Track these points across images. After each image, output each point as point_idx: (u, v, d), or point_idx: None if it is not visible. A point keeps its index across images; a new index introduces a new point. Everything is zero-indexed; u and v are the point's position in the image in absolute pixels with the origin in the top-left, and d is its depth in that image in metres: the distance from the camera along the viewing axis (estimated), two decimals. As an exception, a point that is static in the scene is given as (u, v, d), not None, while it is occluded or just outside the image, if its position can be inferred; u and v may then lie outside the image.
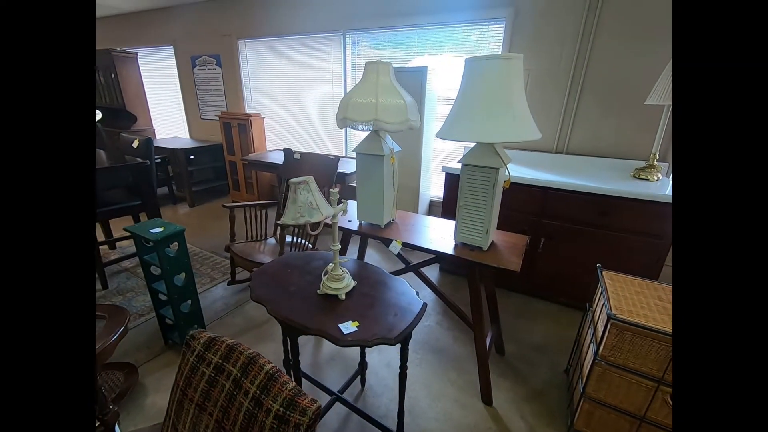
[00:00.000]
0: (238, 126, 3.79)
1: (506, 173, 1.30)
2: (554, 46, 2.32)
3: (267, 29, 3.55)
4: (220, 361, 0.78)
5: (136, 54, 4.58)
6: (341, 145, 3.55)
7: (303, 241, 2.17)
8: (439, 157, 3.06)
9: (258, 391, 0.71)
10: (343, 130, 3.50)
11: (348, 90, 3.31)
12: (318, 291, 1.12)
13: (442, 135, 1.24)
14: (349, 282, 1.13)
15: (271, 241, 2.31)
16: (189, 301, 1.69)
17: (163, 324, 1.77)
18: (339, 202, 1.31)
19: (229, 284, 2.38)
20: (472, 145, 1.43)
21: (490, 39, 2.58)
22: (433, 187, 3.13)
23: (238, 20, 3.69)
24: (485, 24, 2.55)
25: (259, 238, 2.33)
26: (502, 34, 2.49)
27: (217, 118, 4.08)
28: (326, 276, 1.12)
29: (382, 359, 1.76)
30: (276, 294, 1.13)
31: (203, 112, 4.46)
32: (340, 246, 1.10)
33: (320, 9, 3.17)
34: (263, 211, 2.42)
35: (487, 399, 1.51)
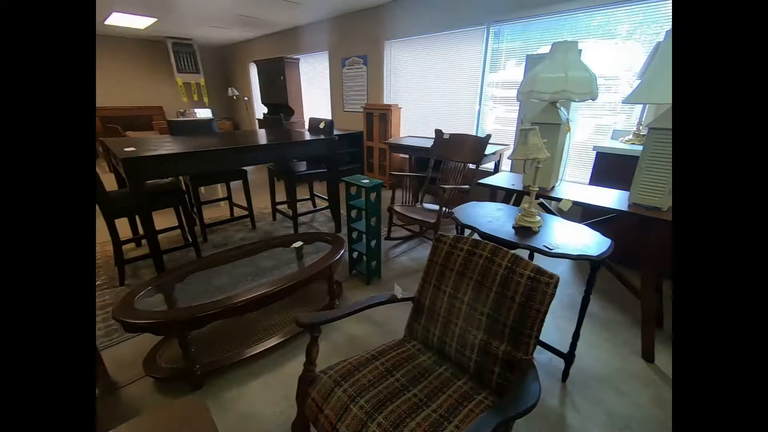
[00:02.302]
0: (380, 115, 4.40)
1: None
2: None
3: (412, 30, 4.02)
4: (470, 248, 1.14)
5: (299, 59, 5.67)
6: (472, 130, 3.81)
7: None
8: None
9: (509, 264, 1.04)
10: (475, 116, 3.75)
11: (484, 76, 3.54)
12: (513, 224, 1.42)
13: (636, 99, 1.39)
14: (540, 219, 1.39)
15: (427, 205, 2.74)
16: (375, 240, 2.20)
17: (351, 257, 2.34)
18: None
19: (385, 239, 2.90)
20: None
21: (651, 22, 2.48)
22: (569, 170, 3.14)
23: (388, 23, 4.27)
24: (644, 3, 2.46)
25: (413, 203, 2.79)
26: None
27: (361, 109, 4.79)
28: (521, 213, 1.41)
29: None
30: (477, 223, 1.47)
31: (346, 105, 5.28)
32: (537, 188, 1.38)
33: (465, 7, 3.47)
34: (416, 182, 2.87)
35: (648, 356, 1.59)
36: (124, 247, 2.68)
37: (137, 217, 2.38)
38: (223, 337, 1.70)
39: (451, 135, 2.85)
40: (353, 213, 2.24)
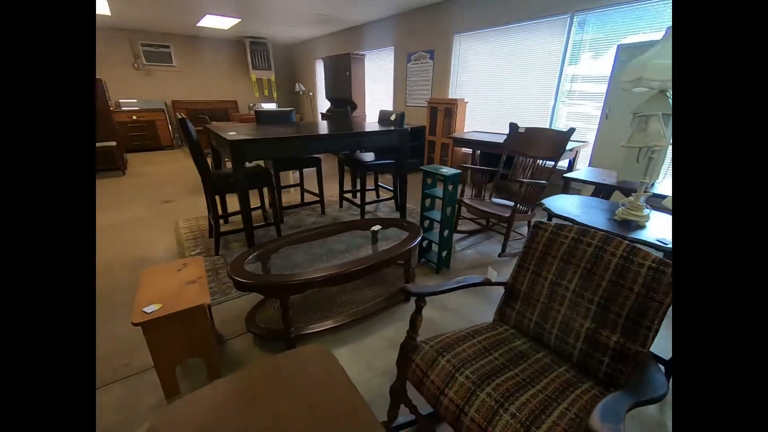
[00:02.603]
0: (444, 110, 4.38)
1: None
2: None
3: (484, 22, 3.93)
4: (576, 236, 1.12)
5: (365, 55, 5.84)
6: (545, 125, 3.64)
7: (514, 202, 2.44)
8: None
9: (624, 254, 1.00)
10: (549, 111, 3.57)
11: (563, 69, 3.36)
12: (615, 217, 1.36)
13: None
14: (647, 213, 1.31)
15: (495, 200, 2.69)
16: (447, 230, 2.22)
17: (420, 246, 2.38)
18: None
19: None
20: None
21: None
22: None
23: (457, 17, 4.23)
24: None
25: (482, 196, 2.76)
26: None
27: (425, 104, 4.81)
28: (625, 206, 1.34)
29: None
30: (571, 215, 1.42)
31: (408, 100, 5.33)
32: (649, 180, 1.30)
33: (548, -6, 3.31)
34: (486, 175, 2.83)
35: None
36: (204, 223, 3.00)
37: (218, 197, 2.63)
38: (308, 307, 1.85)
39: (527, 129, 2.76)
40: (427, 202, 2.28)
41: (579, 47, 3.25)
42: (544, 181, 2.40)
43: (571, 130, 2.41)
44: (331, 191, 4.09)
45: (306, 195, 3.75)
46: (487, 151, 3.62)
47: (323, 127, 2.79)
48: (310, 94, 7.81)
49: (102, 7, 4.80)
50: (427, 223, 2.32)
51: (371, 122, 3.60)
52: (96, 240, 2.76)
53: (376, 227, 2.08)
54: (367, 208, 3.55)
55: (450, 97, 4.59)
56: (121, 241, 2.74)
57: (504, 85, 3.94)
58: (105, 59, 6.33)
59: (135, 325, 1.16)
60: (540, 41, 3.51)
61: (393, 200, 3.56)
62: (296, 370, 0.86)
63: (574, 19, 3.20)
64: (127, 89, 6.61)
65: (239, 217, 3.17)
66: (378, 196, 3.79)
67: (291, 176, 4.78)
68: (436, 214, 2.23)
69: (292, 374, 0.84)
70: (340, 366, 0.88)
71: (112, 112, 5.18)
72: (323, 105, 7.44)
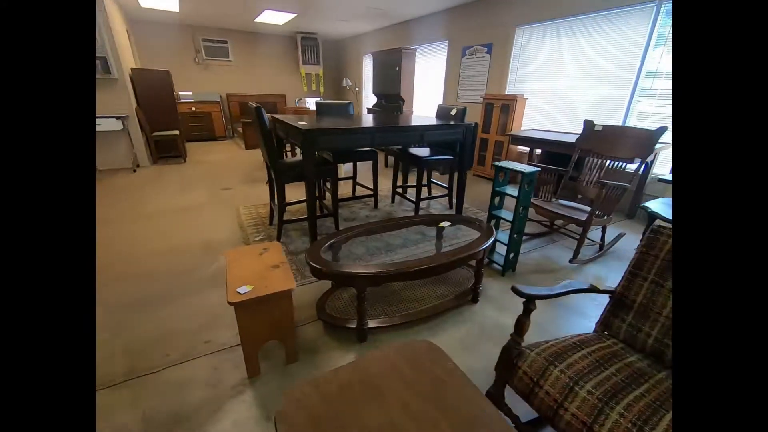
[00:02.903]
0: (501, 106, 4.20)
1: None
2: None
3: (551, 13, 3.70)
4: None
5: (416, 50, 5.75)
6: (618, 122, 3.36)
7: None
8: None
9: None
10: (624, 110, 3.30)
11: (643, 63, 3.07)
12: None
13: None
14: None
15: (563, 201, 2.52)
16: (517, 232, 2.10)
17: (484, 246, 2.28)
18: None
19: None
20: None
21: None
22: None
23: (520, 9, 4.02)
24: None
25: (545, 197, 2.60)
26: None
27: (480, 99, 4.64)
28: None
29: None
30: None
31: (460, 96, 5.18)
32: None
33: (632, -19, 3.04)
34: (554, 175, 2.66)
35: None
36: (263, 211, 3.07)
37: (280, 186, 2.66)
38: (372, 301, 1.83)
39: (605, 127, 2.55)
40: (496, 200, 2.17)
41: (665, 40, 2.95)
42: (626, 184, 2.20)
43: (662, 129, 2.18)
44: (380, 186, 4.06)
45: (357, 188, 3.75)
46: (552, 151, 3.41)
47: (389, 120, 2.76)
48: (357, 89, 7.87)
49: (172, 4, 5.11)
50: (492, 222, 2.22)
51: (422, 116, 3.52)
52: (114, 233, 2.92)
53: (445, 223, 2.01)
54: (420, 204, 3.48)
55: (507, 93, 4.39)
56: (192, 223, 2.89)
57: (571, 81, 3.69)
58: (171, 53, 6.76)
59: (231, 304, 1.18)
60: (616, 34, 3.23)
61: (447, 198, 3.47)
62: (412, 364, 0.82)
63: (662, 8, 2.90)
64: (186, 82, 7.01)
65: (295, 206, 3.23)
66: (429, 192, 3.71)
67: (342, 169, 4.83)
68: (506, 213, 2.12)
69: (409, 368, 0.80)
70: (454, 364, 0.83)
71: (176, 103, 5.52)
72: (368, 100, 7.46)
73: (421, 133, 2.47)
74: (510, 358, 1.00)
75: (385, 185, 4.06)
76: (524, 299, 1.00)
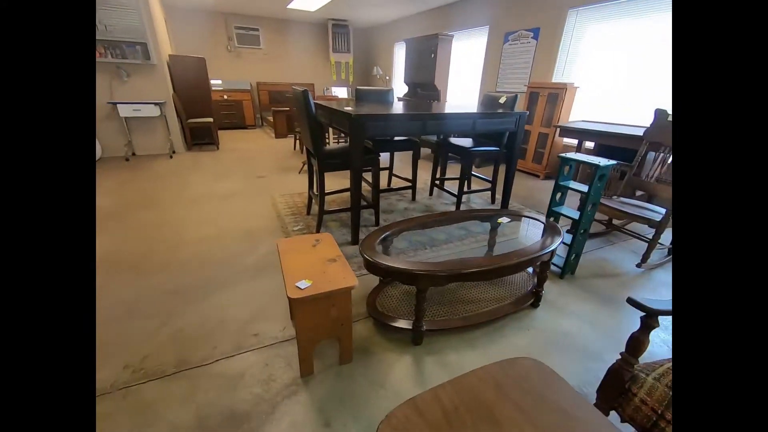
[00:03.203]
0: (548, 96, 3.92)
1: None
2: None
3: (612, -8, 3.37)
4: None
5: (453, 36, 5.49)
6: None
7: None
8: None
9: None
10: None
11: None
12: None
13: None
14: None
15: (623, 199, 2.30)
16: (583, 230, 1.91)
17: (540, 245, 2.10)
18: None
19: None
20: None
21: None
22: None
23: (575, -11, 3.70)
24: None
25: (610, 195, 2.37)
26: None
27: (523, 88, 4.37)
28: None
29: None
30: None
31: (500, 85, 4.90)
32: None
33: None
34: (617, 171, 2.42)
35: None
36: (299, 200, 2.99)
37: (317, 175, 2.56)
38: (431, 301, 1.70)
39: (681, 118, 2.27)
40: (558, 196, 1.98)
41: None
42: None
43: None
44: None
45: (392, 180, 3.62)
46: (608, 144, 3.13)
47: (437, 108, 2.60)
48: (387, 78, 7.68)
49: (208, -10, 5.09)
50: (551, 220, 2.03)
51: (461, 105, 3.32)
52: (159, 217, 2.90)
53: (504, 219, 1.85)
54: (454, 198, 3.31)
55: (554, 81, 4.09)
56: (231, 210, 2.87)
57: (635, 67, 3.37)
58: (205, 41, 6.80)
59: (292, 300, 1.09)
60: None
61: (489, 192, 3.28)
62: (521, 386, 0.69)
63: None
64: (218, 70, 7.05)
65: (330, 197, 3.14)
66: (469, 186, 3.53)
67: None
68: (568, 211, 1.93)
69: (519, 392, 0.67)
70: (573, 390, 0.69)
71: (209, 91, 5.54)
72: (398, 90, 7.26)
73: (474, 121, 2.29)
74: (620, 382, 0.85)
75: (420, 177, 3.90)
76: (645, 314, 0.84)
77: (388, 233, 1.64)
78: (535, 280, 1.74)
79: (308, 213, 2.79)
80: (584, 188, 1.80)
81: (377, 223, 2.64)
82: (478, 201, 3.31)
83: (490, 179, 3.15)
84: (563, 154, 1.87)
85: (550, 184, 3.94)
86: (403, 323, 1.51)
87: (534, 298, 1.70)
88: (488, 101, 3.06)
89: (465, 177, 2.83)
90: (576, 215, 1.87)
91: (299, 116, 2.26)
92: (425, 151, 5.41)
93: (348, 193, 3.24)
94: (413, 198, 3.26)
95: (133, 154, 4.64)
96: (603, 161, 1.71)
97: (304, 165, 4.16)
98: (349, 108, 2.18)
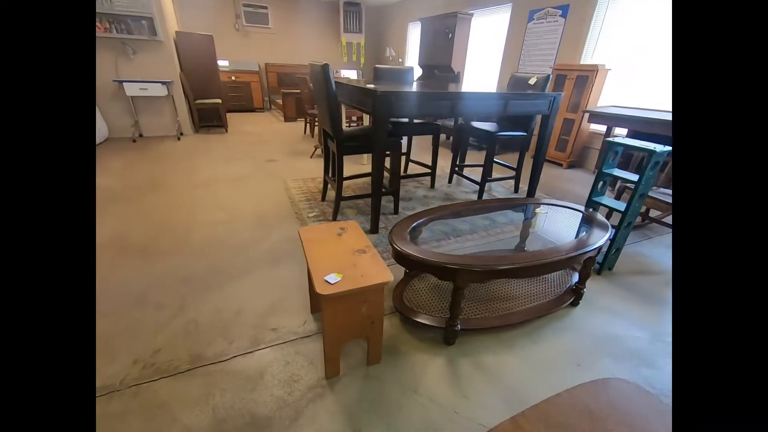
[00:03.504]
0: (576, 78, 3.67)
1: None
2: None
3: (654, -36, 3.09)
4: None
5: (472, 15, 5.19)
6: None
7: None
8: None
9: None
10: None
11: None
12: None
13: None
14: None
15: (662, 190, 2.11)
16: (628, 224, 1.75)
17: (575, 238, 1.94)
18: None
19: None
20: None
21: None
22: None
23: (613, -40, 3.40)
24: None
25: (656, 184, 2.19)
26: None
27: (548, 71, 4.12)
28: None
29: None
30: None
31: (521, 66, 4.64)
32: None
33: None
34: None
35: None
36: (312, 185, 2.85)
37: (332, 159, 2.40)
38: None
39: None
40: (599, 185, 1.81)
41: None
42: None
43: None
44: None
45: (408, 166, 3.45)
46: (647, 131, 2.91)
47: (457, 90, 2.41)
48: (399, 60, 7.38)
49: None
50: (590, 210, 1.87)
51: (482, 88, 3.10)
52: (170, 199, 2.78)
53: (542, 209, 1.69)
54: (475, 187, 3.14)
55: (582, 62, 3.83)
56: (242, 193, 2.74)
57: (666, 48, 3.12)
58: (211, 19, 6.55)
59: (322, 296, 0.96)
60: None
61: (513, 181, 3.10)
62: (617, 418, 0.55)
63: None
64: (225, 49, 6.81)
65: (346, 182, 2.99)
66: (491, 174, 3.35)
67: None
68: (611, 202, 1.76)
69: (615, 424, 0.54)
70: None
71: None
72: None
73: (507, 102, 2.10)
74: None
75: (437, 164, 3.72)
76: None
77: (420, 221, 1.49)
78: (576, 276, 1.60)
79: (323, 199, 2.65)
80: (634, 177, 1.63)
81: (396, 211, 2.50)
82: (500, 190, 3.14)
83: (514, 167, 2.98)
84: (610, 139, 1.69)
85: (574, 174, 3.75)
86: (434, 320, 1.38)
87: (575, 296, 1.56)
88: (516, 82, 2.85)
89: (489, 163, 2.66)
90: (620, 206, 1.70)
91: (317, 94, 2.10)
92: (440, 137, 5.20)
93: (363, 179, 3.10)
94: (432, 185, 3.09)
95: (141, 135, 4.51)
96: (659, 147, 1.54)
97: (316, 149, 3.99)
98: (372, 85, 2.00)
